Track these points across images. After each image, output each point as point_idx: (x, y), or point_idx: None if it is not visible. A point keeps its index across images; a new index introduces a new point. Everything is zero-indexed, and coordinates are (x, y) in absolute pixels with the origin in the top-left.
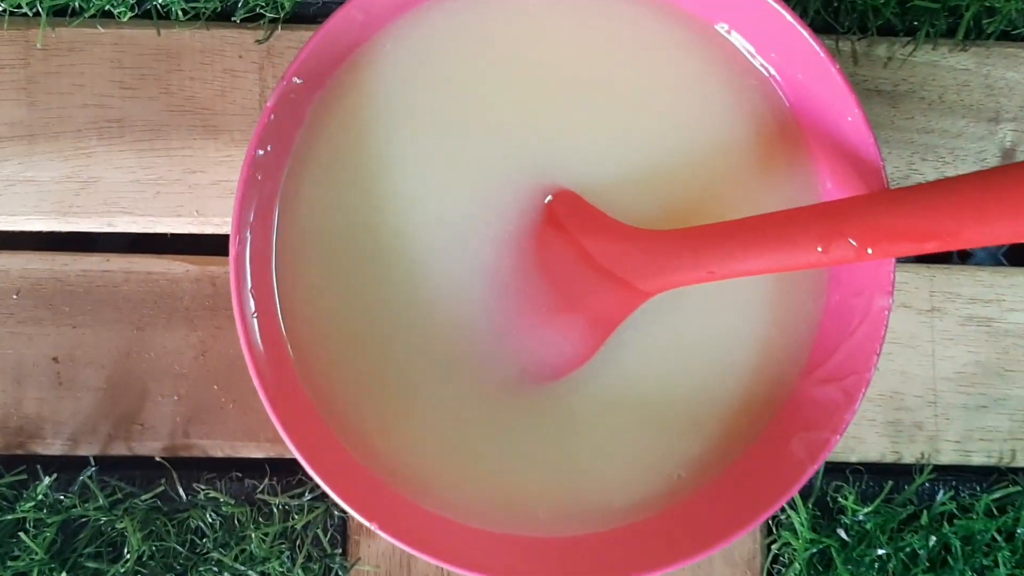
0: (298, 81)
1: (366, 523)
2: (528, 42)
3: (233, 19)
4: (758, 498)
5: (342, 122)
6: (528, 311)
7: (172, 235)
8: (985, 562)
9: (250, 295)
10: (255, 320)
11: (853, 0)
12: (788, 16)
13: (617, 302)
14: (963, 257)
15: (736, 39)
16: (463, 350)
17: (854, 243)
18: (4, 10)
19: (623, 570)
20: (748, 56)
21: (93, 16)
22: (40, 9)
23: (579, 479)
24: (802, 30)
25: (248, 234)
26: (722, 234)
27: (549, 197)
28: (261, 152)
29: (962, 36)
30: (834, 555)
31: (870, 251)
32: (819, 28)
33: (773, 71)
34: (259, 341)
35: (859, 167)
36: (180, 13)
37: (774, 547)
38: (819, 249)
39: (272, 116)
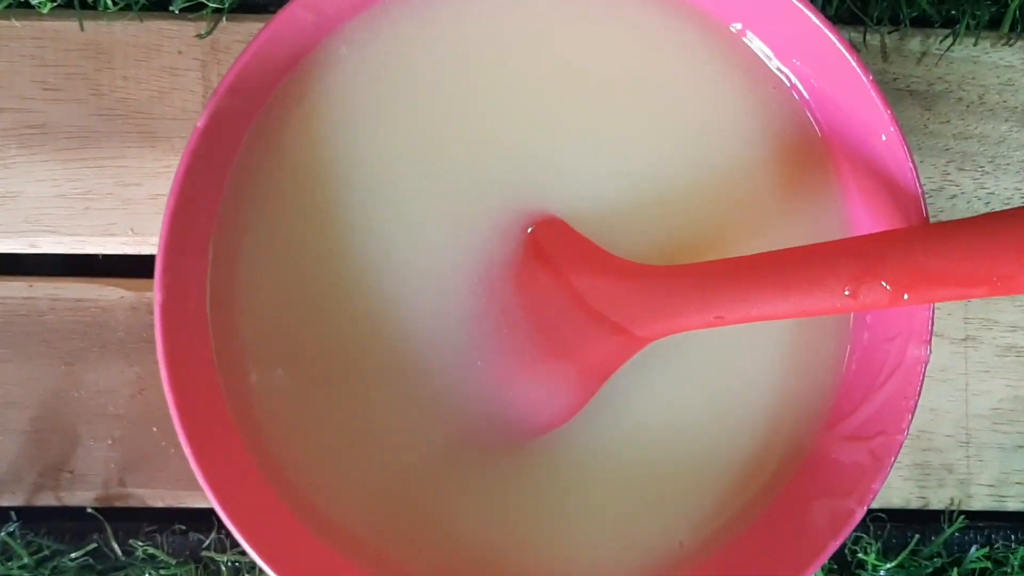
0: (233, 97)
1: None
2: (509, 46)
3: (171, 9)
4: (773, 570)
5: (290, 141)
6: (507, 358)
7: (104, 256)
8: None
9: (181, 344)
10: (185, 369)
11: None
12: (812, 16)
13: (609, 349)
14: None
15: (753, 42)
16: (436, 403)
17: (888, 287)
18: None
19: None
20: (766, 61)
21: (8, 7)
22: None
23: (564, 551)
24: (829, 33)
25: (176, 277)
26: (734, 272)
27: (531, 227)
28: (192, 177)
29: (1007, 29)
30: None
31: (906, 296)
32: (845, 20)
33: (795, 79)
34: (188, 398)
35: (894, 194)
36: (110, 3)
37: None
38: (847, 292)
39: (204, 137)
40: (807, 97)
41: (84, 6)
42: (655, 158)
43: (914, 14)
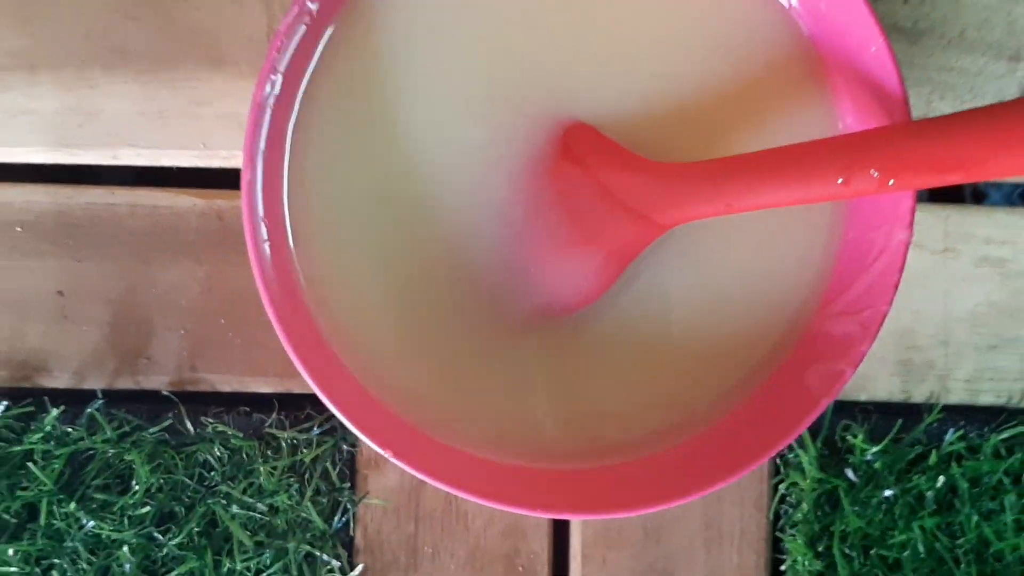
0: (311, 5)
1: (381, 451)
2: None
3: None
4: (773, 430)
5: (354, 51)
6: (542, 243)
7: (178, 168)
8: (992, 506)
9: (262, 223)
10: (267, 248)
11: None
12: None
13: (633, 234)
14: (978, 199)
15: None
16: (477, 284)
17: (876, 174)
18: None
19: (634, 503)
20: None
21: None
22: None
23: (595, 413)
24: None
25: (260, 163)
26: (742, 166)
27: (563, 130)
28: (273, 78)
29: None
30: (841, 496)
31: (892, 183)
32: None
33: (797, 2)
34: (271, 271)
35: (882, 100)
36: None
37: (782, 487)
38: (840, 181)
39: (283, 40)
40: (803, 14)
41: None
42: (669, 69)
43: None
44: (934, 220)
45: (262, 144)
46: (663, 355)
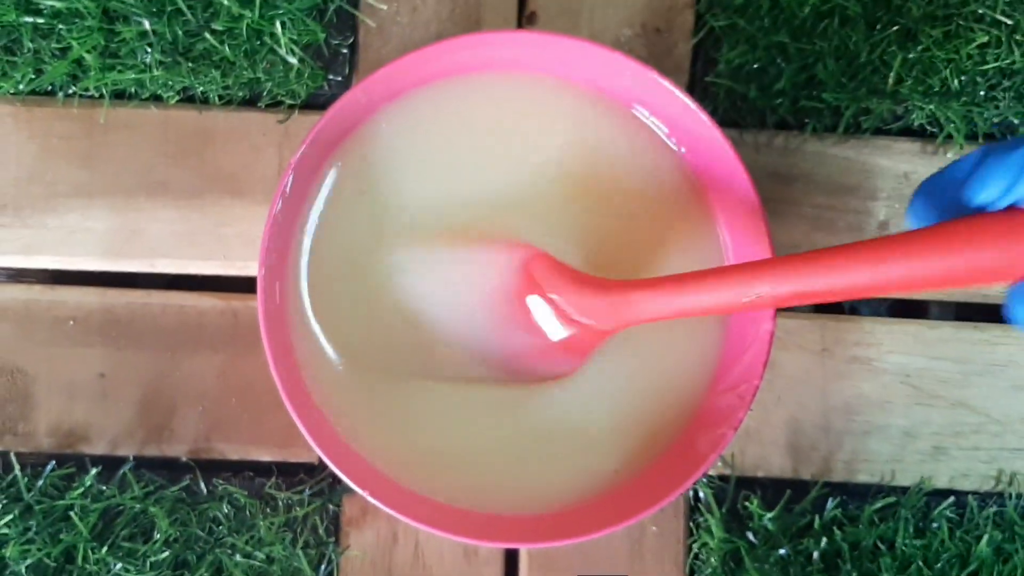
0: (311, 148)
1: (359, 490)
2: (494, 128)
3: (259, 105)
4: (674, 481)
5: (348, 186)
6: (515, 345)
7: (203, 276)
8: (870, 567)
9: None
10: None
11: (754, 101)
12: (690, 103)
13: (586, 338)
14: (852, 311)
15: (657, 126)
16: (460, 378)
17: (769, 293)
18: (74, 92)
19: (568, 535)
20: (666, 140)
21: (146, 99)
22: (104, 92)
23: (539, 473)
24: (701, 115)
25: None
26: (670, 284)
27: (523, 259)
28: (286, 191)
29: (842, 131)
30: (743, 554)
31: (783, 299)
32: (726, 123)
33: (683, 149)
34: (278, 348)
35: (749, 217)
36: (216, 99)
37: (695, 546)
38: (744, 300)
39: (293, 171)
40: (691, 162)
41: (199, 101)
42: (591, 206)
43: (776, 119)
44: (813, 327)
45: (270, 277)
46: (591, 431)
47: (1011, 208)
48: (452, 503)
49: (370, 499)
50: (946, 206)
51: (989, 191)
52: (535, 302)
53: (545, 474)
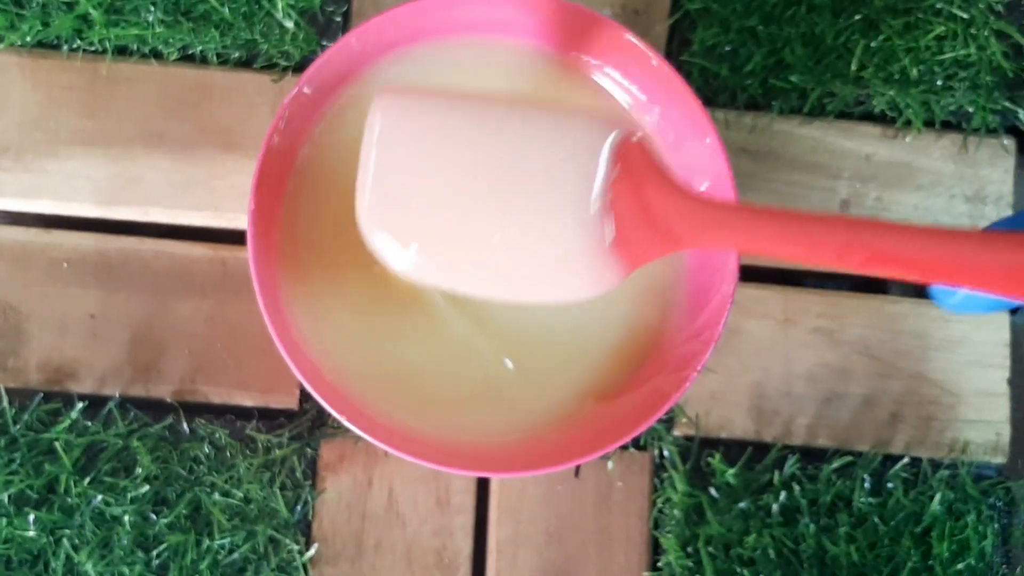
0: (307, 91)
1: (336, 414)
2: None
3: (255, 65)
4: (639, 416)
5: (333, 140)
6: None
7: (195, 226)
8: (827, 522)
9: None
10: (265, 275)
11: (725, 80)
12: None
13: (656, 243)
14: (817, 285)
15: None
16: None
17: (861, 257)
18: (79, 46)
19: (537, 465)
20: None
21: (147, 55)
22: (107, 47)
23: (510, 406)
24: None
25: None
26: (765, 219)
27: (616, 135)
28: (281, 126)
29: (808, 112)
30: (706, 508)
31: (867, 267)
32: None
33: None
34: (268, 292)
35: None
36: (215, 58)
37: (659, 501)
38: (832, 255)
39: (285, 112)
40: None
41: (198, 58)
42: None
43: (745, 98)
44: (777, 297)
45: (261, 220)
46: (560, 368)
47: None
48: (424, 433)
49: (345, 422)
50: None
51: None
52: (623, 189)
53: (516, 407)
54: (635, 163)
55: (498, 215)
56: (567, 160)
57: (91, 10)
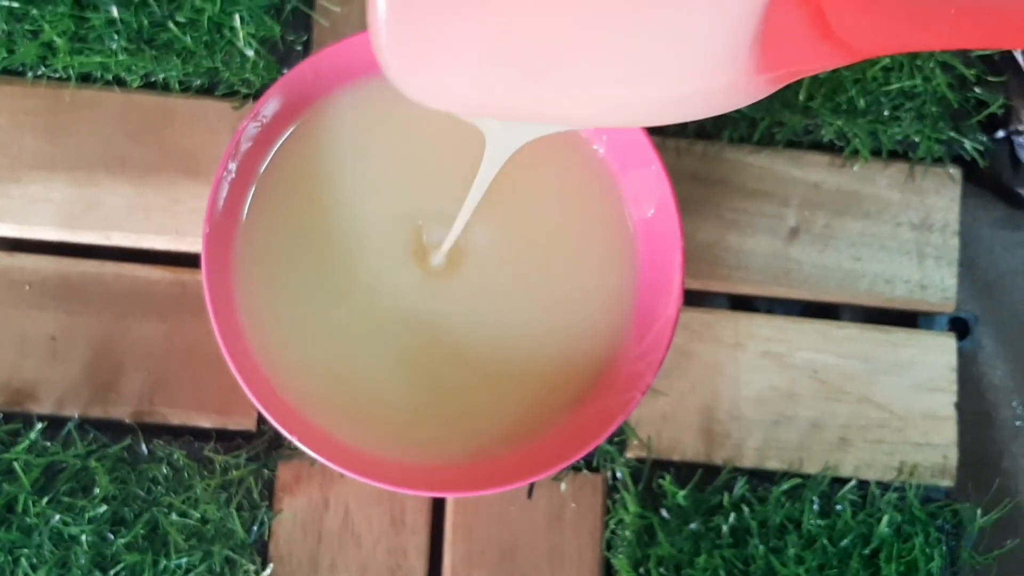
0: (262, 117)
1: (289, 436)
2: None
3: (216, 93)
4: (587, 437)
5: (291, 163)
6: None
7: (155, 250)
8: (776, 543)
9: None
10: (218, 293)
11: None
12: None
13: (821, 51)
14: (768, 310)
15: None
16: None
17: None
18: (43, 73)
19: (490, 485)
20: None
21: (110, 82)
22: (71, 74)
23: (461, 427)
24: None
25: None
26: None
27: None
28: (226, 171)
29: (756, 140)
30: (657, 529)
31: None
32: (650, 129)
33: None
34: (222, 312)
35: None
36: (176, 84)
37: (611, 522)
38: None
39: (240, 138)
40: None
41: (160, 85)
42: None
43: (695, 126)
44: (727, 321)
45: (219, 208)
46: (508, 390)
47: None
48: (379, 454)
49: (297, 444)
50: None
51: None
52: None
53: (469, 429)
54: None
55: None
56: None
57: (55, 38)
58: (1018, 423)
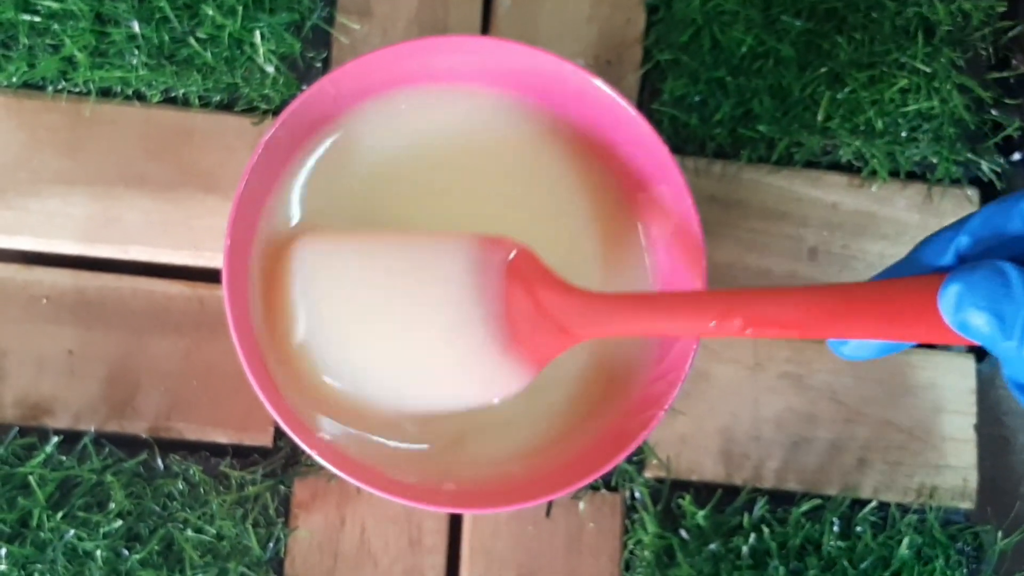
0: (282, 133)
1: (305, 448)
2: (449, 139)
3: (235, 109)
4: (608, 454)
5: (318, 175)
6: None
7: (173, 265)
8: (796, 565)
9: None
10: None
11: (694, 129)
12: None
13: (555, 340)
14: None
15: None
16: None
17: (739, 323)
18: (63, 87)
19: (508, 502)
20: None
21: (130, 97)
22: (91, 89)
23: (483, 447)
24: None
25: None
26: (645, 302)
27: (513, 253)
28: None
29: (776, 161)
30: (676, 550)
31: (748, 332)
32: (672, 150)
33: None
34: (243, 330)
35: (689, 262)
36: (196, 100)
37: (630, 543)
38: (712, 324)
39: (260, 153)
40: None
41: (180, 101)
42: (530, 229)
43: (714, 147)
44: (746, 343)
45: (234, 258)
46: (536, 409)
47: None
48: (395, 472)
49: (317, 458)
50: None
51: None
52: (516, 297)
53: (487, 449)
54: (524, 271)
55: (409, 337)
56: (451, 280)
57: (76, 52)
58: None
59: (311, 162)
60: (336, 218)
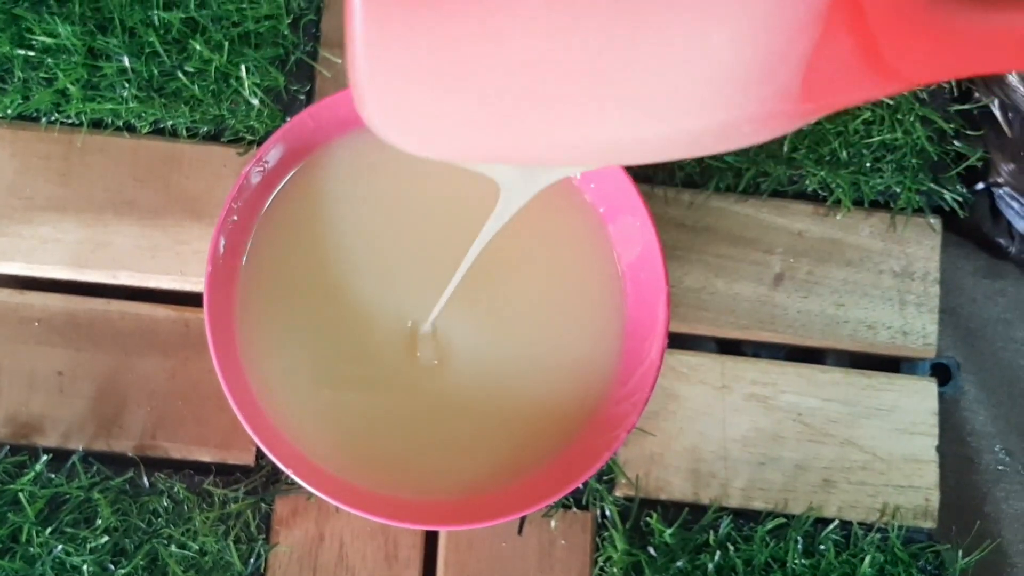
0: (265, 163)
1: (284, 469)
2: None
3: (222, 139)
4: (574, 474)
5: (291, 207)
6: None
7: (160, 289)
8: None
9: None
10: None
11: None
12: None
13: (869, 80)
14: (754, 354)
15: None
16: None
17: None
18: (56, 119)
19: (481, 519)
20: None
21: (120, 128)
22: (83, 120)
23: (453, 465)
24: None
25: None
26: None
27: None
28: (236, 203)
29: (741, 189)
30: (644, 566)
31: None
32: (639, 178)
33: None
34: (224, 352)
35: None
36: (184, 131)
37: (600, 559)
38: None
39: (243, 183)
40: (598, 204)
41: (168, 132)
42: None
43: (683, 176)
44: (714, 364)
45: (215, 292)
46: (500, 431)
47: None
48: (373, 490)
49: (293, 476)
50: None
51: None
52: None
53: (460, 467)
54: None
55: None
56: None
57: (69, 86)
58: (1000, 467)
59: (288, 190)
60: (288, 249)
